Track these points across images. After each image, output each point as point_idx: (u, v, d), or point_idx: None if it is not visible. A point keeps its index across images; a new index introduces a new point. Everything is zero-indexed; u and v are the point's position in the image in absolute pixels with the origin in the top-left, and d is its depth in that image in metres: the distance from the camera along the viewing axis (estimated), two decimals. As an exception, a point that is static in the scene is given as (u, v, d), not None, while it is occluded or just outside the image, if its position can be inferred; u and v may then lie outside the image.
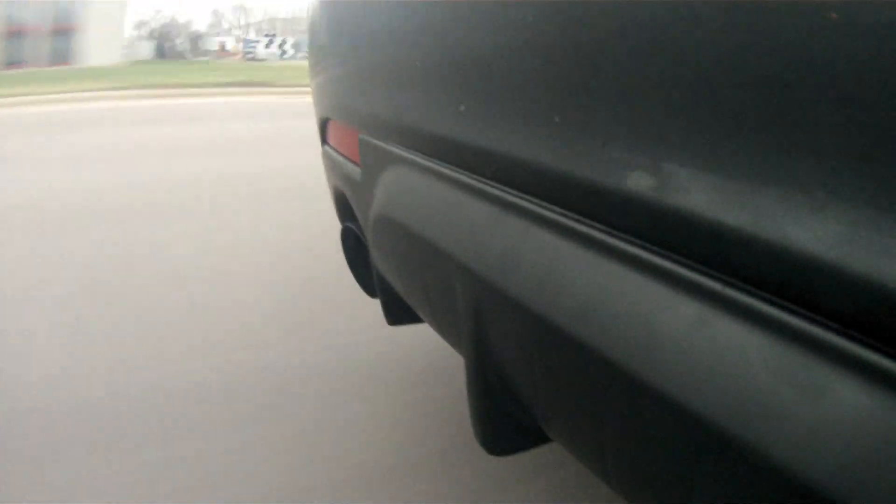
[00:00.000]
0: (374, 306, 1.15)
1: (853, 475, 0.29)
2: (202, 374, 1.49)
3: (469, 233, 0.62)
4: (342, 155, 1.07)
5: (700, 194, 0.38)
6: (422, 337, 1.58)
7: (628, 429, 0.44)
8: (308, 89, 1.28)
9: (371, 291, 1.18)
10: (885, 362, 0.29)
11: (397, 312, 1.04)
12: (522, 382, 0.59)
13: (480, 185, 0.62)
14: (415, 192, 0.75)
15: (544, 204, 0.53)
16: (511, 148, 0.56)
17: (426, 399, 1.39)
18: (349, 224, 1.14)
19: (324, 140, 1.20)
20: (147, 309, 1.87)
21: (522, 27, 0.53)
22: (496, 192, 0.59)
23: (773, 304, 0.34)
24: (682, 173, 0.39)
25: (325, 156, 1.18)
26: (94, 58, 32.15)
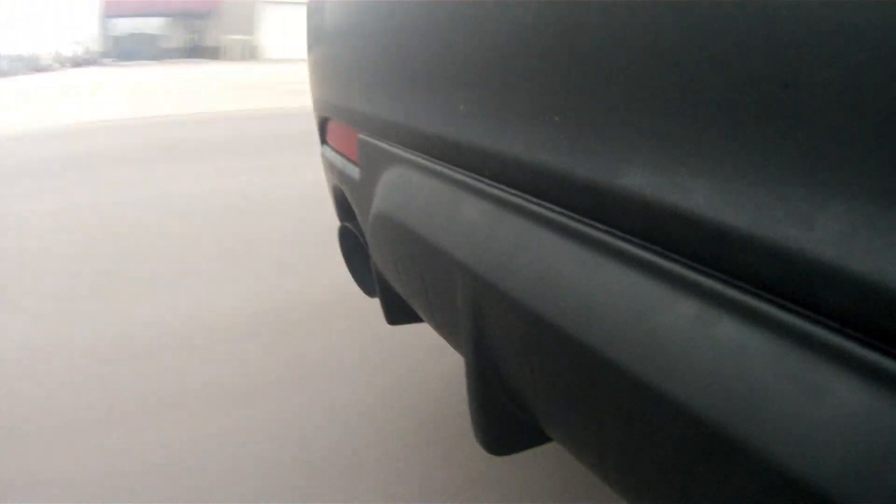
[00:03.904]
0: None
1: (853, 475, 0.29)
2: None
3: (468, 232, 0.62)
4: (341, 154, 1.07)
5: (700, 194, 0.38)
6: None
7: (628, 429, 0.44)
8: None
9: (370, 291, 1.18)
10: (885, 362, 0.29)
11: (397, 312, 1.04)
12: (522, 382, 0.59)
13: (480, 185, 0.61)
14: (414, 191, 0.75)
15: (544, 203, 0.53)
16: (510, 148, 0.56)
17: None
18: (348, 224, 1.14)
19: (323, 139, 1.20)
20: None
21: (522, 27, 0.52)
22: (496, 191, 0.59)
23: (773, 303, 0.34)
24: (682, 173, 0.39)
25: (324, 155, 1.18)
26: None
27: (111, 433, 1.28)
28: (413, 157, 0.75)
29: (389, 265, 0.88)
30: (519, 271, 0.54)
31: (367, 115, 0.89)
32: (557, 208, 0.51)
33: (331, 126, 1.13)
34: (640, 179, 0.42)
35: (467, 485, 1.12)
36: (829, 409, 0.30)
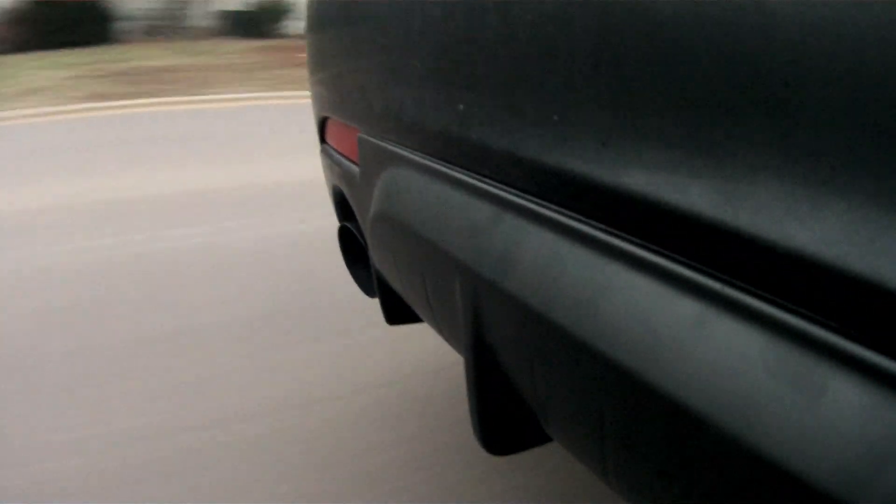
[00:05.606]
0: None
1: (853, 475, 0.29)
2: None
3: (468, 231, 0.62)
4: (341, 154, 1.07)
5: (700, 194, 0.38)
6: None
7: (628, 429, 0.44)
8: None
9: (370, 291, 1.18)
10: (885, 362, 0.29)
11: (397, 312, 1.04)
12: (522, 382, 0.59)
13: (479, 184, 0.61)
14: (414, 190, 0.74)
15: (543, 203, 0.53)
16: (510, 147, 0.56)
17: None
18: (347, 224, 1.14)
19: (322, 139, 1.20)
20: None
21: (522, 26, 0.52)
22: (495, 190, 0.59)
23: (773, 303, 0.34)
24: (682, 172, 0.39)
25: (324, 155, 1.18)
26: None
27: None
28: (413, 157, 0.75)
29: (389, 265, 0.88)
30: (518, 271, 0.54)
31: (367, 114, 0.89)
32: (557, 207, 0.51)
33: (330, 125, 1.13)
34: (640, 179, 0.42)
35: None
36: (829, 409, 0.30)
